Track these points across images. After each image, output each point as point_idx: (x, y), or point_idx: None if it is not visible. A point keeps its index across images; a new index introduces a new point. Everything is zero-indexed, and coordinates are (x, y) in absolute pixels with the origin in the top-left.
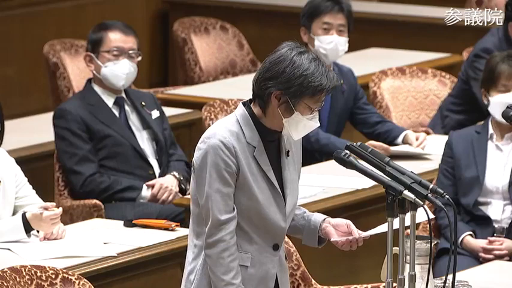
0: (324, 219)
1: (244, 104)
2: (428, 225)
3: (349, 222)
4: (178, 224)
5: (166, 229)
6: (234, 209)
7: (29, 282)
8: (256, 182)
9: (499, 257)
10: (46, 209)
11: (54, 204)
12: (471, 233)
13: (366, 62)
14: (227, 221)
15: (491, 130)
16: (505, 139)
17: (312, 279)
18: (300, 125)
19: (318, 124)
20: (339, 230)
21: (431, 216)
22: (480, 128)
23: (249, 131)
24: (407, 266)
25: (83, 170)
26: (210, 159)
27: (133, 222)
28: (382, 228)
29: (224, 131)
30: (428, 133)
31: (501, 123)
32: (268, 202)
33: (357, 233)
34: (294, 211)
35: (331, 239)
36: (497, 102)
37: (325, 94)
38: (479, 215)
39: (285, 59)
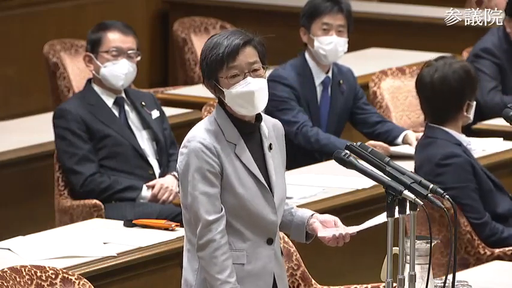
0: (312, 215)
1: (220, 103)
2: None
3: (336, 219)
4: (178, 224)
5: (166, 229)
6: (221, 208)
7: (29, 282)
8: (241, 179)
9: None
10: None
11: None
12: None
13: (366, 62)
14: (215, 220)
15: (461, 137)
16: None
17: (312, 279)
18: (238, 99)
19: (255, 87)
20: (326, 226)
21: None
22: (453, 140)
23: (228, 129)
24: (407, 266)
25: (83, 170)
26: (193, 162)
27: (133, 222)
28: (369, 223)
29: (203, 132)
30: None
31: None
32: (255, 197)
33: (343, 230)
34: (283, 203)
35: (318, 234)
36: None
37: (232, 59)
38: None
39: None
